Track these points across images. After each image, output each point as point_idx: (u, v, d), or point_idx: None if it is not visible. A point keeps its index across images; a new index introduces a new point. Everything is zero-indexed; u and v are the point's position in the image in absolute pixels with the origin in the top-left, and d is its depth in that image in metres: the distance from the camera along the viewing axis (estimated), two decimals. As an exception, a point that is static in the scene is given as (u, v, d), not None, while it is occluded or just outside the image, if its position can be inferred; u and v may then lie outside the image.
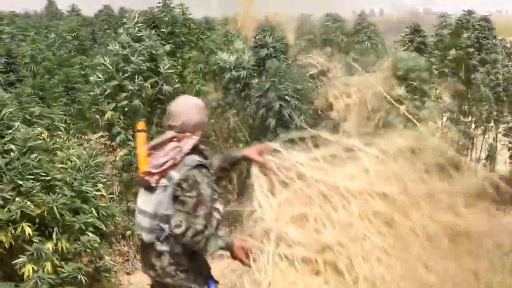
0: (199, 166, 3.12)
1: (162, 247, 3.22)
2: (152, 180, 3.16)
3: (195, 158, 3.16)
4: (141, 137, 3.27)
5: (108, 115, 5.51)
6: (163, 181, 3.16)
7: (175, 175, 3.12)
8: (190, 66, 8.81)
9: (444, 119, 7.10)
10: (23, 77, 7.80)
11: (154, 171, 3.13)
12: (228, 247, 3.15)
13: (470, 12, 7.98)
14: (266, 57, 6.57)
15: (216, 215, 3.16)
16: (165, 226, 3.18)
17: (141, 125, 3.26)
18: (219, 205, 3.20)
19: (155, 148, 3.24)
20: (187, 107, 3.22)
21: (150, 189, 3.19)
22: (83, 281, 4.07)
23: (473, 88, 6.18)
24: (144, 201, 3.21)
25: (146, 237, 3.20)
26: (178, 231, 3.04)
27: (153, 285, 3.43)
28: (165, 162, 3.16)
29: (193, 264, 3.25)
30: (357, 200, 3.00)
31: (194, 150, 3.20)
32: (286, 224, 3.04)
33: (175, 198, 3.10)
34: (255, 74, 6.39)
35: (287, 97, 5.68)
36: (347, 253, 2.91)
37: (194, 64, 8.80)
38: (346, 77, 7.67)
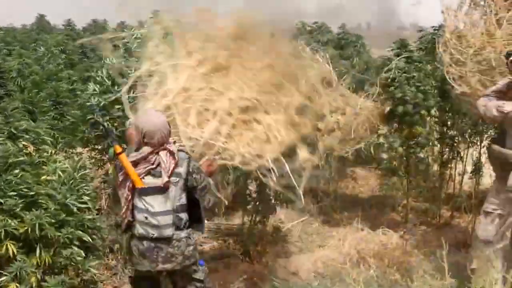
0: (190, 157, 3.95)
1: (181, 234, 3.90)
2: (165, 184, 3.82)
3: (183, 152, 3.94)
4: (123, 158, 3.89)
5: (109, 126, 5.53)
6: (173, 179, 3.87)
7: (181, 169, 3.89)
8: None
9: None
10: (12, 92, 7.77)
11: (165, 177, 3.81)
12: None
13: (441, 26, 8.03)
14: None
15: None
16: (182, 215, 3.91)
17: (117, 148, 3.93)
18: None
19: (138, 163, 3.89)
20: (159, 126, 3.87)
21: (161, 191, 3.85)
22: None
23: (453, 101, 6.21)
24: (159, 204, 3.86)
25: (169, 231, 3.86)
26: (210, 204, 4.03)
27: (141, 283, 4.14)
28: (169, 168, 3.84)
29: (195, 243, 4.03)
30: None
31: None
32: None
33: (189, 187, 3.91)
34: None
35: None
36: None
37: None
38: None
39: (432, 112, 6.66)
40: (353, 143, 6.76)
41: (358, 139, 6.81)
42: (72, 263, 4.20)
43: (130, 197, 3.90)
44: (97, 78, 6.12)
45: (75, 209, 4.48)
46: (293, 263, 5.90)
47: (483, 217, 4.90)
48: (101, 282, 4.97)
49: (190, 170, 3.90)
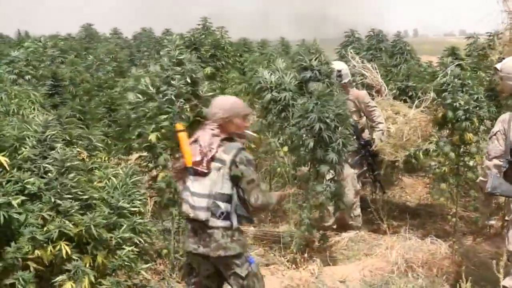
0: (243, 148, 3.92)
1: (217, 223, 3.87)
2: (204, 167, 3.85)
3: (237, 143, 3.96)
4: (180, 136, 4.02)
5: (152, 137, 5.62)
6: (216, 165, 3.88)
7: (226, 157, 3.88)
8: (228, 87, 8.98)
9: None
10: (67, 100, 8.01)
11: (204, 159, 3.86)
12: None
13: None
14: (309, 80, 6.55)
15: None
16: (221, 204, 3.87)
17: (179, 126, 4.10)
18: None
19: (196, 141, 3.99)
20: (219, 106, 4.06)
21: (203, 174, 3.88)
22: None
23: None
24: (198, 185, 3.89)
25: (203, 215, 3.87)
26: (258, 203, 3.90)
27: (192, 263, 4.15)
28: (210, 150, 3.87)
29: (241, 238, 3.96)
30: None
31: (230, 138, 3.97)
32: None
33: (233, 177, 3.86)
34: (297, 96, 6.42)
35: (327, 120, 5.69)
36: None
37: (232, 86, 8.96)
38: (393, 101, 7.73)
39: (486, 121, 6.55)
40: (404, 151, 6.72)
41: (409, 146, 6.77)
42: (125, 264, 4.31)
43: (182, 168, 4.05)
44: (140, 87, 6.22)
45: (127, 213, 4.61)
46: (340, 271, 5.86)
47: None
48: (150, 287, 5.05)
49: (237, 159, 3.87)
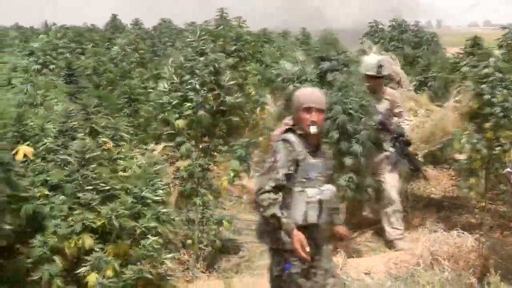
0: (283, 140, 3.71)
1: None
2: None
3: (286, 134, 3.74)
4: None
5: (179, 122, 5.63)
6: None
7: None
8: (250, 78, 8.96)
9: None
10: (84, 88, 8.06)
11: None
12: (287, 228, 3.52)
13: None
14: (328, 70, 6.45)
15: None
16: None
17: None
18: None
19: None
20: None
21: None
22: (147, 284, 4.15)
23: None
24: None
25: None
26: (255, 190, 3.63)
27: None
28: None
29: (273, 232, 3.68)
30: None
31: (291, 130, 3.77)
32: None
33: None
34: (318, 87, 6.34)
35: (351, 111, 5.59)
36: None
37: (254, 76, 8.93)
38: (413, 94, 7.59)
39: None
40: (431, 143, 6.60)
41: (439, 138, 6.64)
42: (149, 253, 4.29)
43: None
44: (165, 76, 6.21)
45: (150, 202, 4.59)
46: (365, 263, 5.80)
47: None
48: (174, 277, 5.05)
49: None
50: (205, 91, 6.27)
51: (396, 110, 6.82)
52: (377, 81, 6.65)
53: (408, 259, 5.90)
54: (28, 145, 4.23)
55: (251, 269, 6.05)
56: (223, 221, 6.04)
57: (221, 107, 6.53)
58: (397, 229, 6.54)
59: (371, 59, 6.67)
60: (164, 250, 4.65)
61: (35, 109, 5.31)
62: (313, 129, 3.73)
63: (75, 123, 4.52)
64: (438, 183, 8.88)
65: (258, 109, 8.33)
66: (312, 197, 3.70)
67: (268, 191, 3.55)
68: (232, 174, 6.24)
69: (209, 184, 6.28)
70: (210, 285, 5.47)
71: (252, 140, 6.65)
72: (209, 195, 6.18)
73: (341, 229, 4.07)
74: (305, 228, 3.68)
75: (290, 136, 3.73)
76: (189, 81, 6.27)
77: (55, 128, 4.52)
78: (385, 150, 6.44)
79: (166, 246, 4.76)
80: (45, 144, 4.42)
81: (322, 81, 6.46)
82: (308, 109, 3.73)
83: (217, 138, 6.59)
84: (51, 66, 9.53)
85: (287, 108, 6.65)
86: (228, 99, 6.51)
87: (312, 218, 3.72)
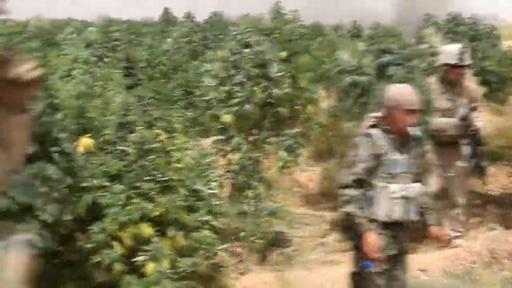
0: (364, 134, 3.72)
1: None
2: None
3: (369, 129, 3.72)
4: None
5: (226, 118, 5.62)
6: None
7: None
8: (303, 71, 8.89)
9: None
10: (141, 80, 8.18)
11: None
12: (360, 228, 3.59)
13: None
14: (388, 63, 6.29)
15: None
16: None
17: None
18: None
19: None
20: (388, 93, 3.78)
21: None
22: (201, 276, 4.19)
23: None
24: None
25: None
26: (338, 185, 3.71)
27: None
28: None
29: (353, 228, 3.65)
30: None
31: (375, 125, 3.74)
32: None
33: None
34: (377, 81, 6.20)
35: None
36: None
37: (307, 70, 8.85)
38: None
39: None
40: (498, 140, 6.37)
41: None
42: (203, 246, 4.33)
43: None
44: (211, 72, 6.20)
45: (203, 195, 4.62)
46: (421, 260, 5.67)
47: None
48: (228, 268, 5.08)
49: None
50: (251, 85, 6.23)
51: (473, 105, 6.49)
52: (458, 71, 6.08)
53: (465, 256, 5.75)
54: (89, 137, 4.32)
55: (303, 263, 6.01)
56: (276, 213, 6.03)
57: (269, 100, 6.49)
58: (458, 230, 6.35)
59: (452, 47, 6.23)
60: (217, 242, 4.69)
61: (94, 101, 5.41)
62: (412, 131, 3.74)
63: (134, 116, 4.59)
64: (496, 180, 8.61)
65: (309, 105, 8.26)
66: (396, 193, 3.64)
67: (349, 186, 3.61)
68: (281, 164, 6.22)
69: (260, 177, 6.28)
70: (262, 277, 5.47)
71: (302, 132, 6.60)
72: (260, 188, 6.18)
73: (437, 230, 3.98)
74: (389, 226, 3.64)
75: (373, 131, 3.70)
76: (234, 76, 6.24)
77: (113, 120, 4.59)
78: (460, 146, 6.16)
79: (219, 239, 4.79)
80: (105, 135, 4.50)
81: (381, 74, 6.32)
82: (410, 112, 3.68)
83: (266, 130, 6.56)
84: (106, 59, 9.72)
85: (341, 101, 6.58)
86: (275, 91, 6.45)
87: (396, 214, 3.67)
